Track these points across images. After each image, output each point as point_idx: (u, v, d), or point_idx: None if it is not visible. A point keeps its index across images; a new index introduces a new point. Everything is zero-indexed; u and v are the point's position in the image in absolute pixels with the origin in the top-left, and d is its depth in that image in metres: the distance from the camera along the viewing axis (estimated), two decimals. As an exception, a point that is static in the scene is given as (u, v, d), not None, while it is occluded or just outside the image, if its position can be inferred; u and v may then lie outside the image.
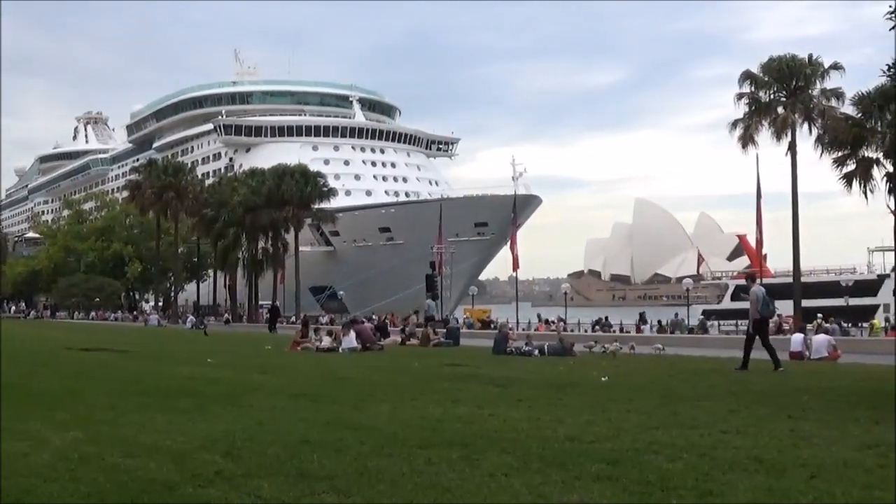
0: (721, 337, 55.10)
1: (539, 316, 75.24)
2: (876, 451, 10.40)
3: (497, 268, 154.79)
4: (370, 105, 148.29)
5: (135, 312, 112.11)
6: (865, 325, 60.94)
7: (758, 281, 27.94)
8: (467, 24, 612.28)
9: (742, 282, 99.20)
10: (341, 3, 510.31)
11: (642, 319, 70.77)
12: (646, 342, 38.48)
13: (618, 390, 18.07)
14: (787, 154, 60.88)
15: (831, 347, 31.78)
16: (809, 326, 44.71)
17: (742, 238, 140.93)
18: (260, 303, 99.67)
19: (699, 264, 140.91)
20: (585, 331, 64.73)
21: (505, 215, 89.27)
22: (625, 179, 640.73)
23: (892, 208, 71.14)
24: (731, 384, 19.58)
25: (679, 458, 9.86)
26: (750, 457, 9.94)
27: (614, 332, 59.11)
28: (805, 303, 63.04)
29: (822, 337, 33.60)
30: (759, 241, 68.59)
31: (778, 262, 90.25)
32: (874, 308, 78.76)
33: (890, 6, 16.01)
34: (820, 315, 53.70)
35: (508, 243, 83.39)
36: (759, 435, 11.67)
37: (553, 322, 70.21)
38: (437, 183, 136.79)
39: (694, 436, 11.53)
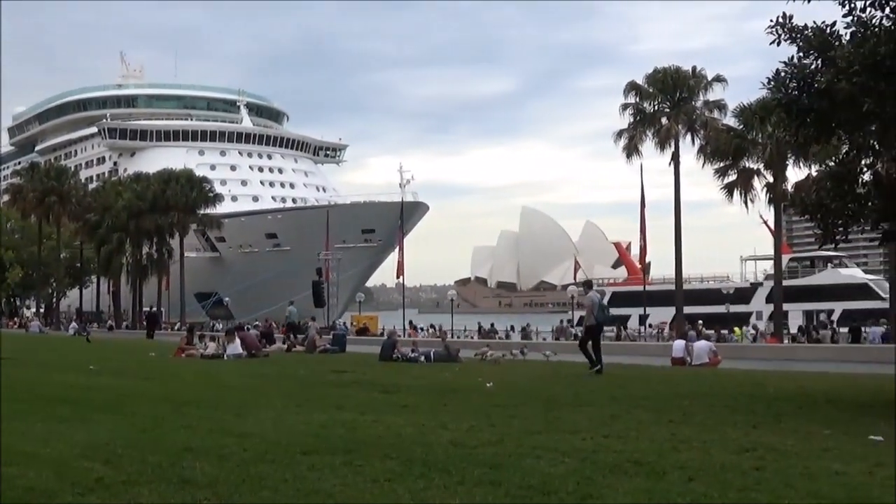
0: (605, 343, 55.64)
1: (410, 322, 75.22)
2: (753, 455, 10.62)
3: (384, 274, 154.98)
4: (258, 110, 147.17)
5: (16, 319, 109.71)
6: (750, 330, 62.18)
7: (595, 287, 28.49)
8: (357, 31, 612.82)
9: (619, 289, 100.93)
10: (230, 6, 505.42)
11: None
12: (535, 349, 38.71)
13: (502, 396, 18.18)
14: (670, 164, 61.93)
15: (712, 353, 32.37)
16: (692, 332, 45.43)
17: (618, 246, 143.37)
18: (144, 309, 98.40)
19: (576, 272, 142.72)
20: (471, 337, 65.02)
21: (392, 222, 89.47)
22: (512, 187, 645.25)
23: (765, 219, 73.28)
24: (613, 389, 19.82)
25: (561, 462, 9.95)
26: (630, 460, 10.07)
27: (500, 338, 59.48)
28: (688, 309, 64.13)
29: (702, 343, 34.20)
30: (643, 249, 69.65)
31: (662, 269, 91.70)
32: (748, 315, 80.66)
33: (771, 21, 16.36)
34: (701, 321, 54.72)
35: (396, 250, 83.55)
36: (640, 439, 11.84)
37: (427, 329, 70.31)
38: (324, 189, 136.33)
39: (576, 440, 11.66)
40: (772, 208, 55.83)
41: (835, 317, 75.67)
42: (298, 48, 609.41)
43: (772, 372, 27.13)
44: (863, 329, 52.36)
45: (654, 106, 62.80)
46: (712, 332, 48.85)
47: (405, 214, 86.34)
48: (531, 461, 10.02)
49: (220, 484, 8.87)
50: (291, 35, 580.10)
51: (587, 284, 28.62)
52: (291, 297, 65.04)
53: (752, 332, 62.09)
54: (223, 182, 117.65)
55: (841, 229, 17.58)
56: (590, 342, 25.12)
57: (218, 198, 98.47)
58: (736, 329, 55.97)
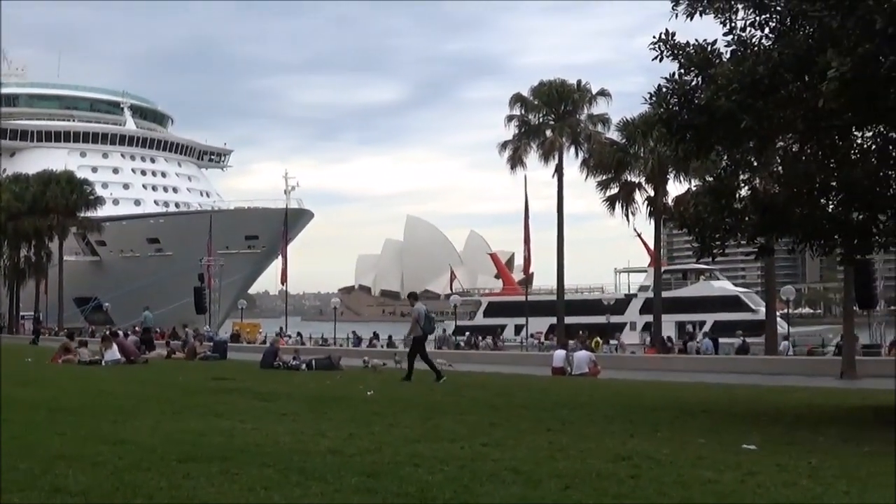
0: (487, 353, 56.10)
1: (281, 329, 74.75)
2: (629, 463, 10.76)
3: (267, 281, 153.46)
4: (142, 113, 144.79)
5: None
6: (614, 342, 62.88)
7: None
8: (244, 35, 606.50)
9: (495, 299, 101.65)
10: (116, 6, 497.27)
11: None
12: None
13: (383, 404, 18.17)
14: (554, 176, 62.49)
15: (592, 363, 32.76)
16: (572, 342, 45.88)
17: (494, 257, 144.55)
18: (21, 314, 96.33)
19: (451, 281, 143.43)
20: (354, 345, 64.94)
21: (276, 229, 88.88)
22: (398, 196, 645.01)
23: (639, 232, 74.47)
24: (493, 398, 19.95)
25: (439, 470, 9.97)
26: (508, 468, 10.14)
27: (383, 346, 59.51)
28: (569, 319, 64.75)
29: (582, 353, 34.61)
30: (527, 260, 70.12)
31: (546, 279, 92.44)
32: (623, 325, 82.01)
33: (654, 37, 16.63)
34: (581, 332, 55.28)
35: (279, 257, 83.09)
36: (518, 447, 11.93)
37: (292, 335, 70.00)
38: (208, 194, 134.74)
39: (454, 448, 11.70)
40: (652, 221, 56.65)
41: (706, 328, 77.30)
42: (185, 51, 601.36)
43: (650, 382, 27.56)
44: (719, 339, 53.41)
45: (538, 118, 63.32)
46: (616, 342, 49.18)
47: (289, 221, 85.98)
48: (409, 469, 10.03)
49: (93, 492, 8.72)
50: (178, 37, 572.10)
51: (412, 296, 28.83)
52: (173, 302, 64.09)
53: (615, 343, 62.53)
54: (105, 185, 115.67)
55: (718, 243, 17.91)
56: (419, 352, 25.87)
57: (99, 201, 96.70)
58: (597, 339, 56.43)
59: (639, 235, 78.04)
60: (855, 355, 35.79)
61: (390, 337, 65.61)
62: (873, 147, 17.14)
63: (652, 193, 54.82)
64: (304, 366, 31.03)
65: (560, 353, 34.86)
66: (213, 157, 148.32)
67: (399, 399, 19.60)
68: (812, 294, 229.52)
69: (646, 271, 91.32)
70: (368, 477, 9.51)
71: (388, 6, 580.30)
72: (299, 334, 72.99)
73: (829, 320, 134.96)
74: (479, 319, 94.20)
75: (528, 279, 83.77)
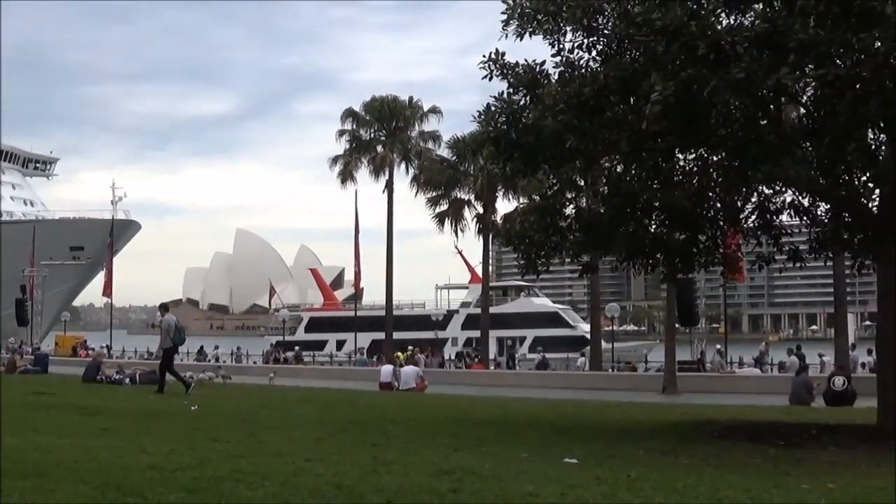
0: (316, 368, 55.96)
1: (84, 342, 73.11)
2: (451, 477, 10.82)
3: (93, 293, 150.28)
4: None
5: None
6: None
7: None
8: (72, 41, 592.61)
9: (316, 314, 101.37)
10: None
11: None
12: (244, 372, 38.37)
13: (207, 420, 17.94)
14: (384, 192, 62.62)
15: (419, 378, 32.92)
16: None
17: (314, 272, 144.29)
18: None
19: (271, 297, 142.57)
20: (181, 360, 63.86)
21: (101, 240, 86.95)
22: (228, 209, 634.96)
23: (460, 249, 75.36)
24: (320, 413, 19.89)
25: (260, 485, 9.88)
26: (331, 483, 10.10)
27: (210, 361, 58.80)
28: (397, 335, 64.85)
29: (410, 368, 34.76)
30: (357, 276, 70.02)
31: (376, 295, 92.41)
32: (445, 341, 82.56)
33: (483, 56, 16.79)
34: (410, 347, 55.48)
35: (105, 269, 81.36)
36: (342, 463, 11.88)
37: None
38: (32, 203, 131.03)
39: (278, 464, 11.60)
40: (481, 238, 57.25)
41: (526, 343, 78.54)
42: (9, 55, 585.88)
43: (477, 397, 27.81)
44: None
45: (370, 134, 63.41)
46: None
47: (116, 232, 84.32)
48: (230, 485, 9.91)
49: None
50: (7, 42, 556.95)
51: (163, 308, 28.68)
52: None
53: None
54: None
55: (543, 260, 18.16)
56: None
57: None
58: (399, 354, 56.50)
59: (459, 252, 78.88)
60: (676, 372, 36.80)
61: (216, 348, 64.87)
62: (695, 169, 17.64)
63: (481, 211, 55.44)
64: (127, 380, 30.43)
65: (387, 369, 34.95)
66: (38, 166, 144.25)
67: (224, 414, 19.37)
68: (637, 311, 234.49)
69: (467, 288, 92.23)
70: (188, 493, 9.37)
71: (223, 17, 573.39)
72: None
73: (653, 337, 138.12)
74: (301, 334, 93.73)
75: (357, 294, 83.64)
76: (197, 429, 15.92)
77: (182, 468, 11.05)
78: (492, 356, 61.41)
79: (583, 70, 16.48)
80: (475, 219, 56.28)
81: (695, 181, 17.36)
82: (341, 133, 63.35)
